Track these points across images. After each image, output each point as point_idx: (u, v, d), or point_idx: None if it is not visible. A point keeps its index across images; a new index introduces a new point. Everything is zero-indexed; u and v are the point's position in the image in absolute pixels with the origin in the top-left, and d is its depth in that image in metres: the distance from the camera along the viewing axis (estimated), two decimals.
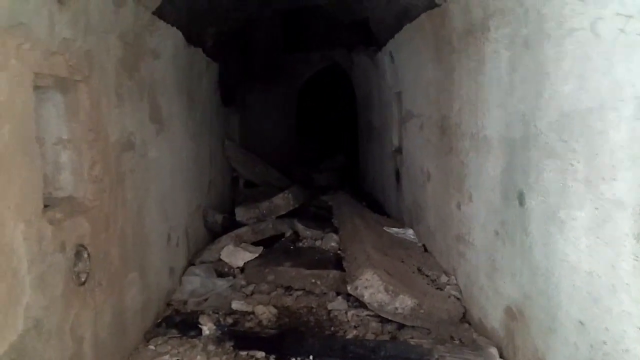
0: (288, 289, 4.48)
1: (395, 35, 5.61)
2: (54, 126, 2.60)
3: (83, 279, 2.57)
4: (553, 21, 2.39)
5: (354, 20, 7.52)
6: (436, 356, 3.14)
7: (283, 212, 6.14)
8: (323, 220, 6.35)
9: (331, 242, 5.40)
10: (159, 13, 3.70)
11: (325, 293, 4.36)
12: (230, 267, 4.96)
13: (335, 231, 5.67)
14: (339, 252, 5.10)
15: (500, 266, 3.15)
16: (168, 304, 4.12)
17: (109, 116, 2.99)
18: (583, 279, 2.23)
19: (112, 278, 2.96)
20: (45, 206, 2.28)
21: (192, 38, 4.91)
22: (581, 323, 2.24)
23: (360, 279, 3.85)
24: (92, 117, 2.75)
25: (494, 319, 3.25)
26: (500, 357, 3.08)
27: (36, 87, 2.19)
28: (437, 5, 3.99)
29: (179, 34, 4.38)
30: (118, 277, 3.06)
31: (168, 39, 4.10)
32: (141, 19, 3.37)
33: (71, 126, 2.63)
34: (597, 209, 2.11)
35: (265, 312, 3.95)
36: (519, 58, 2.79)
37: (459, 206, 3.97)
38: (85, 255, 2.59)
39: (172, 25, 4.10)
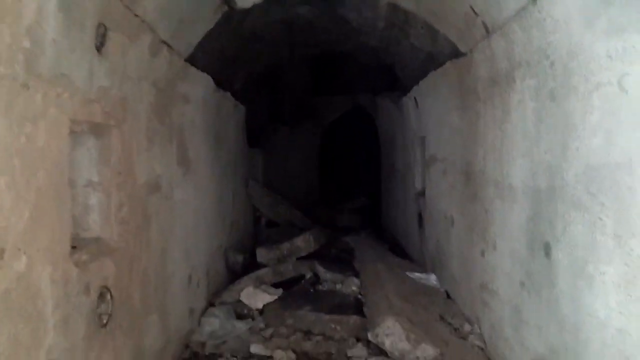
0: (307, 333, 4.41)
1: (420, 82, 5.68)
2: (85, 169, 2.68)
3: (105, 321, 2.58)
4: (579, 75, 2.39)
5: (380, 66, 7.66)
6: None
7: (304, 254, 6.12)
8: (344, 263, 6.30)
9: (352, 286, 5.34)
10: (191, 60, 3.84)
11: (345, 339, 4.28)
12: (250, 309, 4.92)
13: (357, 275, 5.60)
14: (359, 296, 5.03)
15: (526, 318, 3.06)
16: (186, 346, 4.09)
17: (139, 159, 3.08)
18: (613, 336, 2.15)
19: (133, 320, 2.97)
20: (73, 247, 2.32)
21: (221, 82, 5.06)
22: None
23: (382, 326, 3.77)
24: (123, 161, 2.83)
25: None
26: None
27: (71, 133, 2.27)
28: (462, 54, 4.05)
29: (209, 79, 4.52)
30: (138, 318, 3.07)
31: (198, 84, 4.23)
32: (174, 67, 3.50)
33: (102, 169, 2.71)
34: (627, 265, 2.06)
35: (283, 357, 3.89)
36: (545, 109, 2.79)
37: (483, 254, 3.90)
38: (109, 297, 2.61)
39: (203, 70, 4.25)
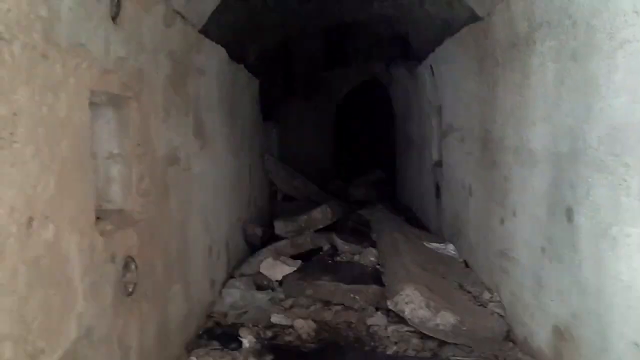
0: (327, 303, 4.45)
1: (436, 49, 5.59)
2: (106, 141, 2.69)
3: (130, 290, 2.63)
4: (603, 33, 2.33)
5: (394, 35, 7.54)
6: None
7: (321, 226, 6.15)
8: (361, 235, 6.32)
9: (370, 256, 5.37)
10: (205, 31, 3.82)
11: (364, 308, 4.31)
12: (270, 280, 4.98)
13: (374, 246, 5.63)
14: (377, 266, 5.06)
15: (547, 284, 3.05)
16: (209, 316, 4.16)
17: (157, 131, 3.09)
18: (638, 298, 2.14)
19: (157, 289, 3.03)
20: (97, 218, 2.36)
21: (235, 55, 5.02)
22: (636, 345, 2.14)
23: (401, 295, 3.80)
24: (141, 132, 2.85)
25: (541, 338, 3.15)
26: None
27: (90, 104, 2.28)
28: (479, 19, 3.97)
29: (223, 51, 4.50)
30: (162, 288, 3.13)
31: (213, 56, 4.21)
32: (189, 38, 3.49)
33: (122, 141, 2.72)
34: None
35: (304, 326, 3.94)
36: (567, 71, 2.73)
37: (502, 221, 3.89)
38: (133, 267, 2.66)
39: (217, 42, 4.22)
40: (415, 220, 7.47)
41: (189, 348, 3.54)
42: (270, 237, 5.90)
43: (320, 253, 5.70)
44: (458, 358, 3.33)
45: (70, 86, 2.03)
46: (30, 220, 1.75)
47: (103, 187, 2.70)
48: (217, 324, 4.06)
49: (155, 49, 2.99)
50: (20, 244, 1.70)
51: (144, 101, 2.86)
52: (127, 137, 2.74)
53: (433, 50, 5.74)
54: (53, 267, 1.90)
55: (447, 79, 5.63)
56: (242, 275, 5.00)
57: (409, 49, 7.33)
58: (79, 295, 2.09)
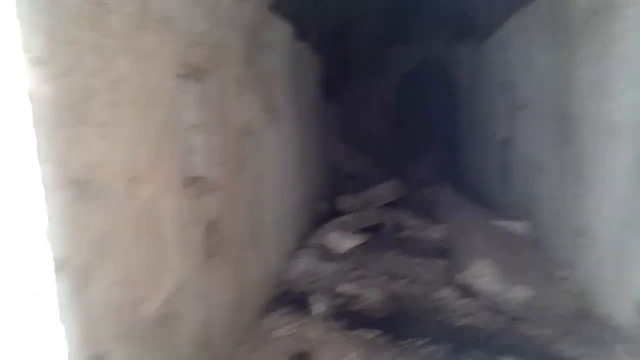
0: (393, 276, 4.49)
1: (504, 24, 5.42)
2: (188, 112, 2.83)
3: (212, 252, 2.78)
4: None
5: (457, 12, 7.36)
6: (554, 349, 3.02)
7: (385, 202, 6.18)
8: (426, 211, 6.30)
9: (434, 233, 5.35)
10: (274, 9, 3.89)
11: (431, 282, 4.32)
12: (335, 253, 5.07)
13: (438, 222, 5.60)
14: (441, 242, 5.04)
15: (630, 258, 2.95)
16: (278, 284, 4.31)
17: (233, 104, 3.21)
18: None
19: (235, 254, 3.18)
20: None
21: (300, 33, 5.08)
22: None
23: (472, 269, 3.78)
24: (219, 104, 2.97)
25: (621, 314, 3.05)
26: (629, 354, 2.89)
27: (178, 75, 2.40)
28: None
29: (290, 28, 4.57)
30: (239, 253, 3.28)
31: (281, 33, 4.29)
32: (259, 14, 3.57)
33: (202, 112, 2.84)
34: None
35: (371, 297, 4.00)
36: None
37: (578, 197, 3.76)
38: (214, 231, 2.80)
39: (284, 20, 4.28)
40: (478, 199, 7.32)
41: (262, 312, 3.69)
42: (334, 212, 5.98)
43: (385, 228, 5.74)
44: (533, 331, 3.28)
45: (162, 57, 2.16)
46: (132, 179, 1.90)
47: (186, 156, 2.84)
48: (287, 291, 4.20)
49: (231, 23, 3.09)
50: (123, 200, 1.84)
51: (221, 74, 2.97)
52: (206, 109, 2.86)
53: (501, 25, 5.56)
54: (150, 225, 2.05)
55: (517, 53, 5.44)
56: (309, 247, 5.12)
57: (473, 25, 7.13)
58: (171, 254, 2.23)
